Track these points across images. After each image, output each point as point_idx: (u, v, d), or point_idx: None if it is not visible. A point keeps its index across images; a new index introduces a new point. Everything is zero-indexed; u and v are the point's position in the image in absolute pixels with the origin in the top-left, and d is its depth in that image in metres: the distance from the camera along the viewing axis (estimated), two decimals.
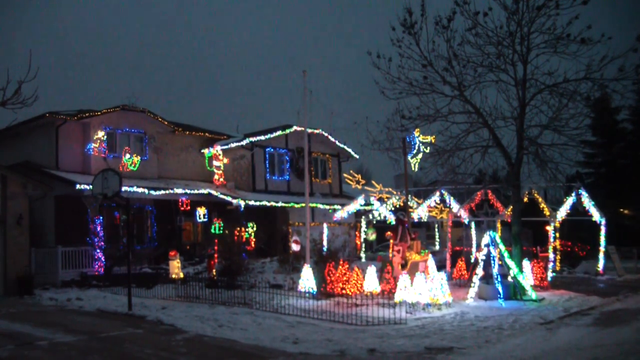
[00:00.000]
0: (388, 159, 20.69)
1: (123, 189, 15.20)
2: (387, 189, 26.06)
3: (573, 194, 22.09)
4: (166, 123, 25.00)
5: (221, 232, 23.15)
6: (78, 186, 19.60)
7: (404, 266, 16.97)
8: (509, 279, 15.67)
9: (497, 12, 15.29)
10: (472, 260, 20.74)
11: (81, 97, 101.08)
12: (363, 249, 25.59)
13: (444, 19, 15.22)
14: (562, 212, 21.62)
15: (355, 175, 28.07)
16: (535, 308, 14.09)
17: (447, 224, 24.84)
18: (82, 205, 20.47)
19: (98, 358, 9.27)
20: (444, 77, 15.79)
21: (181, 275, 18.93)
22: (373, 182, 27.05)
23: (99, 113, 22.99)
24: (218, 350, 9.85)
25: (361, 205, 25.16)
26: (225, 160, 26.49)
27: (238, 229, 22.87)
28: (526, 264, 17.24)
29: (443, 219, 26.20)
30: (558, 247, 22.41)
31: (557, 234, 21.91)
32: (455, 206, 23.30)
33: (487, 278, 15.51)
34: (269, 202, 25.32)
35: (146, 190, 21.64)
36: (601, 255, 22.48)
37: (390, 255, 18.07)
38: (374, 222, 26.95)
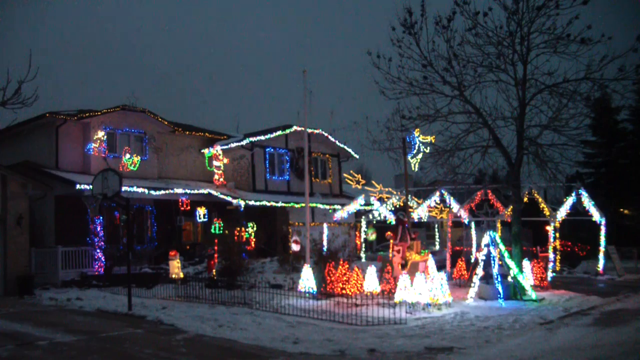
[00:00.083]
0: (388, 159, 20.73)
1: (123, 189, 15.18)
2: (387, 189, 26.08)
3: (573, 194, 22.10)
4: (166, 123, 25.00)
5: (221, 232, 23.15)
6: (78, 186, 19.59)
7: (404, 266, 16.97)
8: (509, 279, 15.66)
9: (497, 12, 15.32)
10: (472, 260, 20.74)
11: (81, 97, 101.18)
12: (363, 249, 25.58)
13: (444, 19, 15.23)
14: (562, 212, 21.62)
15: (355, 175, 28.08)
16: (535, 308, 14.09)
17: (447, 224, 24.84)
18: (82, 205, 20.48)
19: (98, 358, 9.26)
20: (444, 77, 15.79)
21: (181, 275, 18.93)
22: (373, 182, 27.07)
23: (99, 113, 22.99)
24: (218, 350, 9.85)
25: (361, 205, 25.17)
26: (225, 160, 26.49)
27: (238, 229, 22.86)
28: (526, 264, 17.24)
29: (443, 219, 26.21)
30: (558, 247, 22.42)
31: (557, 234, 21.92)
32: (455, 206, 23.30)
33: (487, 278, 15.51)
34: (269, 202, 25.32)
35: (146, 190, 21.64)
36: (601, 255, 22.50)
37: (390, 255, 18.07)
38: (374, 222, 26.97)
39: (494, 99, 17.87)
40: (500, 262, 15.53)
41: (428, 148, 19.02)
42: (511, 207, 18.80)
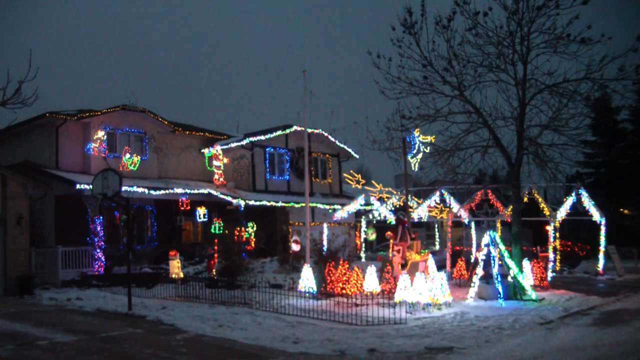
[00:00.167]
0: (388, 159, 20.73)
1: (123, 188, 15.18)
2: (387, 189, 26.08)
3: (573, 194, 22.10)
4: (166, 123, 25.00)
5: (221, 232, 23.15)
6: (78, 186, 19.59)
7: (404, 266, 16.97)
8: (509, 279, 15.66)
9: (497, 12, 15.31)
10: (472, 260, 20.74)
11: (81, 97, 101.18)
12: (363, 249, 25.58)
13: (444, 19, 15.22)
14: (562, 212, 21.62)
15: (355, 175, 28.10)
16: (535, 308, 14.09)
17: (447, 224, 24.84)
18: (82, 205, 20.47)
19: (98, 358, 9.26)
20: (444, 77, 15.78)
21: (181, 275, 18.93)
22: (373, 182, 27.09)
23: (99, 113, 22.99)
24: (218, 350, 9.84)
25: (361, 205, 25.17)
26: (225, 160, 26.49)
27: (238, 228, 22.86)
28: (526, 264, 17.24)
29: (443, 219, 26.22)
30: (558, 247, 22.42)
31: (557, 234, 21.92)
32: (455, 206, 23.30)
33: (487, 278, 15.51)
34: (269, 202, 25.32)
35: (146, 190, 21.64)
36: (601, 255, 22.50)
37: (390, 255, 18.07)
38: (374, 222, 26.97)
39: (494, 99, 17.94)
40: (500, 262, 15.53)
41: (428, 148, 19.02)
42: (511, 207, 18.81)
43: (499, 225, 24.02)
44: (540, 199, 22.86)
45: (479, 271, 15.48)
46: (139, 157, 23.87)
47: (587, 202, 22.09)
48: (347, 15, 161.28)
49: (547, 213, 22.21)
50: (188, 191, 23.41)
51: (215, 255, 19.52)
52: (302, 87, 18.49)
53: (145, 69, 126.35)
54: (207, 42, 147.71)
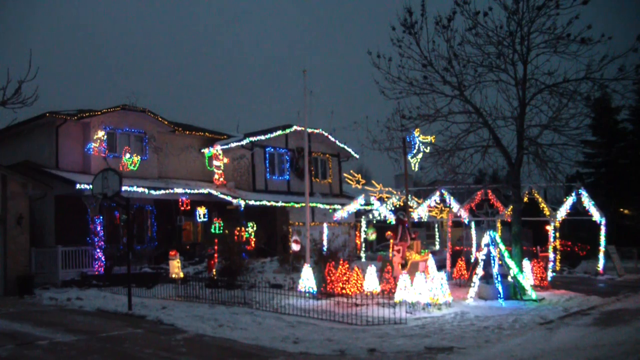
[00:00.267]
0: (388, 159, 20.72)
1: (123, 188, 15.18)
2: (387, 189, 26.06)
3: (573, 194, 22.10)
4: (166, 123, 25.00)
5: (221, 232, 23.15)
6: (78, 186, 19.59)
7: (404, 266, 16.97)
8: (509, 278, 15.66)
9: (497, 12, 15.31)
10: (472, 260, 20.75)
11: (81, 97, 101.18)
12: (363, 249, 25.58)
13: (444, 19, 15.22)
14: (562, 212, 21.62)
15: (355, 175, 28.07)
16: (535, 308, 14.09)
17: (447, 224, 24.84)
18: (82, 205, 20.47)
19: (98, 358, 9.26)
20: (444, 77, 15.78)
21: (181, 275, 18.92)
22: (373, 182, 27.06)
23: (99, 113, 22.99)
24: (218, 350, 9.84)
25: (361, 205, 25.16)
26: (225, 160, 26.49)
27: (238, 228, 22.87)
28: (526, 263, 17.24)
29: (443, 219, 26.21)
30: (558, 247, 22.42)
31: (557, 234, 21.92)
32: (455, 206, 23.30)
33: (487, 278, 15.51)
34: (269, 201, 25.32)
35: (146, 190, 21.64)
36: (601, 255, 22.50)
37: (390, 255, 18.07)
38: (374, 222, 26.95)
39: (494, 98, 17.96)
40: (500, 262, 15.52)
41: (428, 148, 19.02)
42: (511, 207, 18.81)
43: (499, 225, 24.02)
44: (540, 199, 22.87)
45: (479, 271, 15.47)
46: (139, 157, 23.87)
47: (587, 202, 22.09)
48: (347, 15, 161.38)
49: (547, 213, 22.21)
50: (188, 191, 23.41)
51: (215, 255, 19.53)
52: (302, 87, 18.52)
53: (145, 69, 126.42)
54: (207, 43, 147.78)
